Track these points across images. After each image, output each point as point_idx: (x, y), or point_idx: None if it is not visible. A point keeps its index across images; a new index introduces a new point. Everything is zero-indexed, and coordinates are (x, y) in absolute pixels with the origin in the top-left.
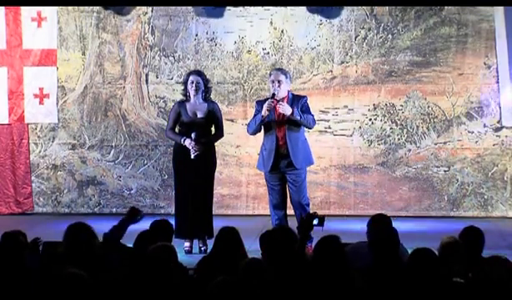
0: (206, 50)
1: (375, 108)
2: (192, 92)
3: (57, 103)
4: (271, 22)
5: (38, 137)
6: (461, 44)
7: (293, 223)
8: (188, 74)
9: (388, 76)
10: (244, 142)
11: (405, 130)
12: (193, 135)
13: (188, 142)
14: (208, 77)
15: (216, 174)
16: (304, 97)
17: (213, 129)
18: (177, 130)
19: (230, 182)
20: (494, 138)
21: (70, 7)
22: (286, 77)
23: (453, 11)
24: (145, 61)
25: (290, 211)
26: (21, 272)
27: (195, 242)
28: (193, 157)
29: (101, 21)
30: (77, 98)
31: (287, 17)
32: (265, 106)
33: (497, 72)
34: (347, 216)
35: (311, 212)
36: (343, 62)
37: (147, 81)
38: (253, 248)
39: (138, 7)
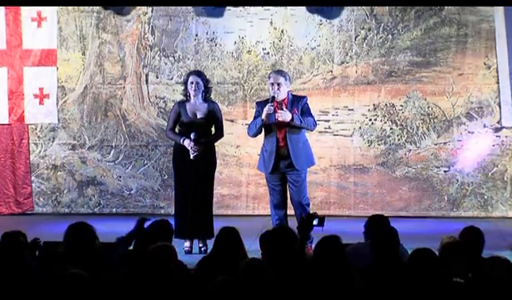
0: (206, 50)
1: (375, 108)
2: (192, 93)
3: (57, 103)
4: (271, 22)
5: (38, 137)
6: (461, 44)
7: (293, 223)
8: (188, 74)
9: (388, 76)
10: (244, 143)
11: (405, 130)
12: (192, 135)
13: (187, 143)
14: (208, 77)
15: (216, 174)
16: (304, 97)
17: (213, 129)
18: (177, 130)
19: (230, 182)
20: (494, 139)
21: (70, 7)
22: (285, 79)
23: (453, 11)
24: (145, 61)
25: (290, 211)
26: (21, 272)
27: (195, 242)
28: (192, 157)
29: (101, 21)
30: (77, 98)
31: (287, 17)
32: (265, 110)
33: (497, 72)
34: (347, 216)
35: (311, 212)
36: (343, 63)
37: (147, 81)
38: (253, 248)
39: (138, 7)
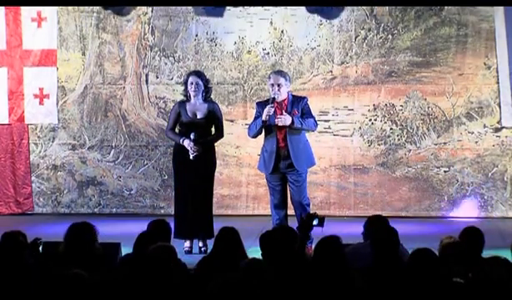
0: (206, 50)
1: (375, 109)
2: (192, 93)
3: (57, 104)
4: (271, 23)
5: (38, 137)
6: (461, 44)
7: (293, 223)
8: (188, 75)
9: (388, 76)
10: (244, 143)
11: (405, 130)
12: (192, 135)
13: (187, 143)
14: (208, 77)
15: (216, 174)
16: (305, 97)
17: (213, 130)
18: (177, 130)
19: (230, 183)
20: (494, 139)
21: (70, 8)
22: (285, 80)
23: (453, 11)
24: (145, 61)
25: (291, 211)
26: (21, 272)
27: (195, 242)
28: (191, 157)
29: (101, 21)
30: (77, 99)
31: (287, 17)
32: (265, 112)
33: (497, 72)
34: (347, 216)
35: (311, 212)
36: (343, 63)
37: (147, 81)
38: (253, 248)
39: (138, 8)
